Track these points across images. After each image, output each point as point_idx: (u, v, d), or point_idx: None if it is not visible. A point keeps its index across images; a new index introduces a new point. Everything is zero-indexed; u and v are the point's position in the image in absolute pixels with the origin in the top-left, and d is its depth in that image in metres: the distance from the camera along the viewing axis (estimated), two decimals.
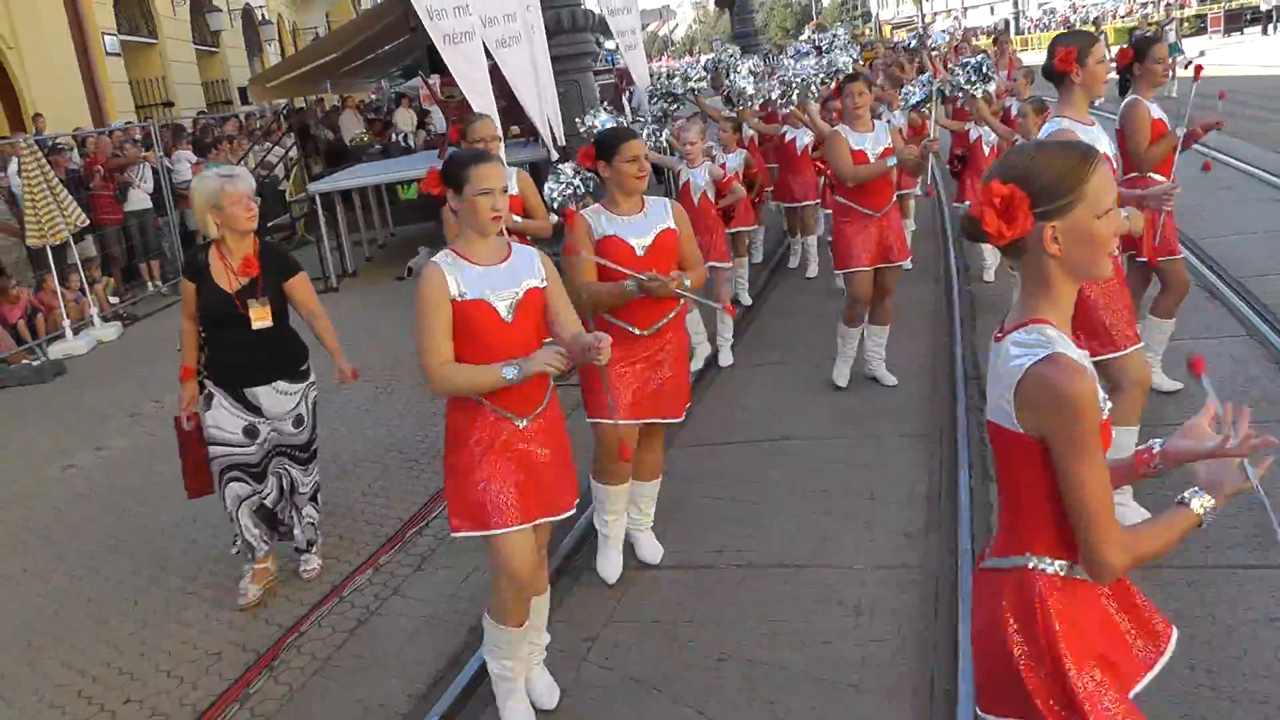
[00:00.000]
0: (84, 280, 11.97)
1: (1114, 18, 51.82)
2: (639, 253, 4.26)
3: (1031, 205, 1.93)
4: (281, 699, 4.15)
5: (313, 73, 15.35)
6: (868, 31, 69.27)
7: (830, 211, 7.27)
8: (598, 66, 15.87)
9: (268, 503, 4.90)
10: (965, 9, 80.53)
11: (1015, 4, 53.32)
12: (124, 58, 19.25)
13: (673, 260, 4.34)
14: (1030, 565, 2.04)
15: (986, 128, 8.56)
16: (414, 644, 4.43)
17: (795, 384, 6.95)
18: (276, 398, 4.74)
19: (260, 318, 4.61)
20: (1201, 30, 40.63)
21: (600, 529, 4.66)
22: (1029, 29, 55.24)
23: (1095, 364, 3.98)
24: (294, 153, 16.83)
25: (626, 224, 4.32)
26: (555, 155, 9.16)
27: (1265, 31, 36.15)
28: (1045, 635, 2.00)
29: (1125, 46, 5.39)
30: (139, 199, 13.59)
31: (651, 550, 4.83)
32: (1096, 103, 4.66)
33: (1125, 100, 5.23)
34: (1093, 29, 25.28)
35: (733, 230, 8.29)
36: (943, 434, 5.76)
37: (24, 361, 10.90)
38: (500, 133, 4.78)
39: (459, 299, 3.29)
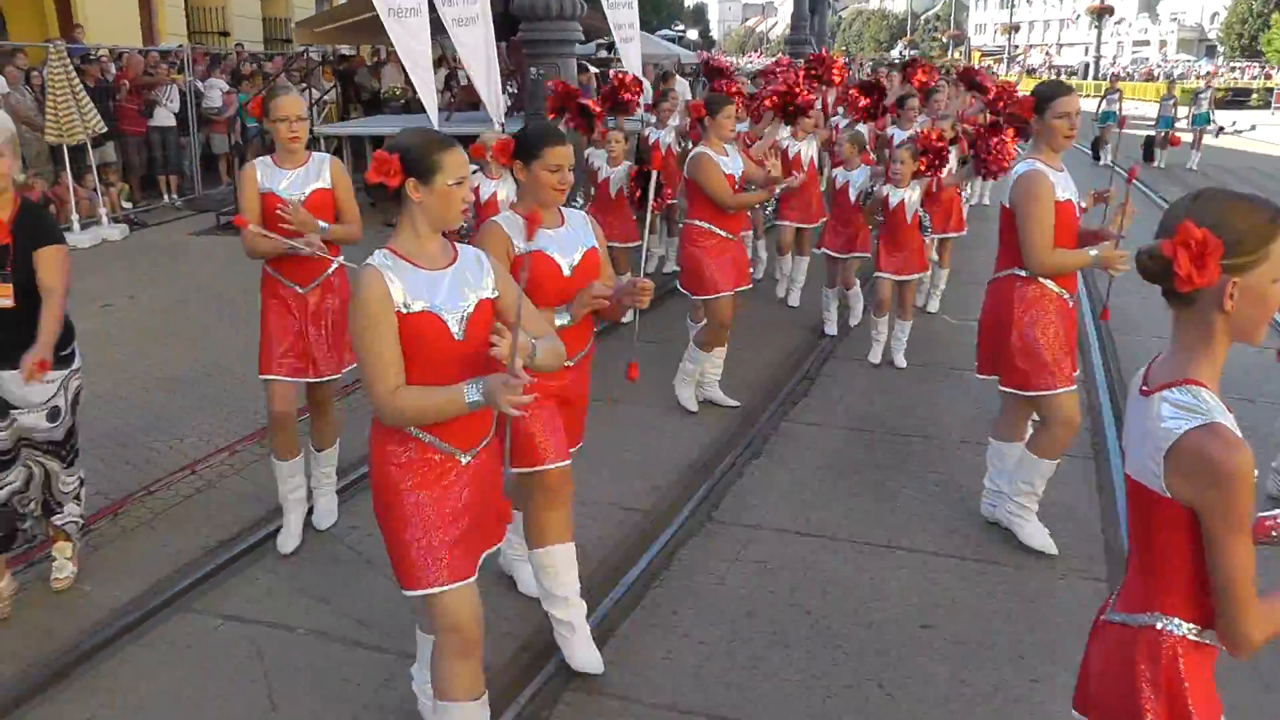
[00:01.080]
0: (97, 182, 12.96)
1: (1197, 77, 51.33)
2: (566, 272, 3.64)
3: (1221, 255, 1.86)
4: None
5: (364, 22, 16.09)
6: (958, 55, 68.98)
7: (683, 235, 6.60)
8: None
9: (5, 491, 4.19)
10: (1060, 46, 79.82)
11: (1096, 49, 52.66)
12: None
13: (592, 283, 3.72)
14: (1159, 625, 2.02)
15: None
16: None
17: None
18: (27, 384, 3.87)
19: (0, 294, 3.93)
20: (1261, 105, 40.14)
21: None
22: (1114, 73, 54.72)
23: (1030, 398, 4.55)
24: (329, 96, 17.71)
25: (551, 238, 3.64)
26: (499, 128, 9.85)
27: None
28: (1178, 696, 1.99)
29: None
30: (164, 116, 14.53)
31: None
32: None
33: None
34: (1165, 86, 23.86)
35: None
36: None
37: None
38: (305, 113, 4.59)
39: (404, 310, 2.77)
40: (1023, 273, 4.50)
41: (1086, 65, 52.27)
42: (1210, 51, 68.39)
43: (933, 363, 7.54)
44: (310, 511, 5.03)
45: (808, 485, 5.46)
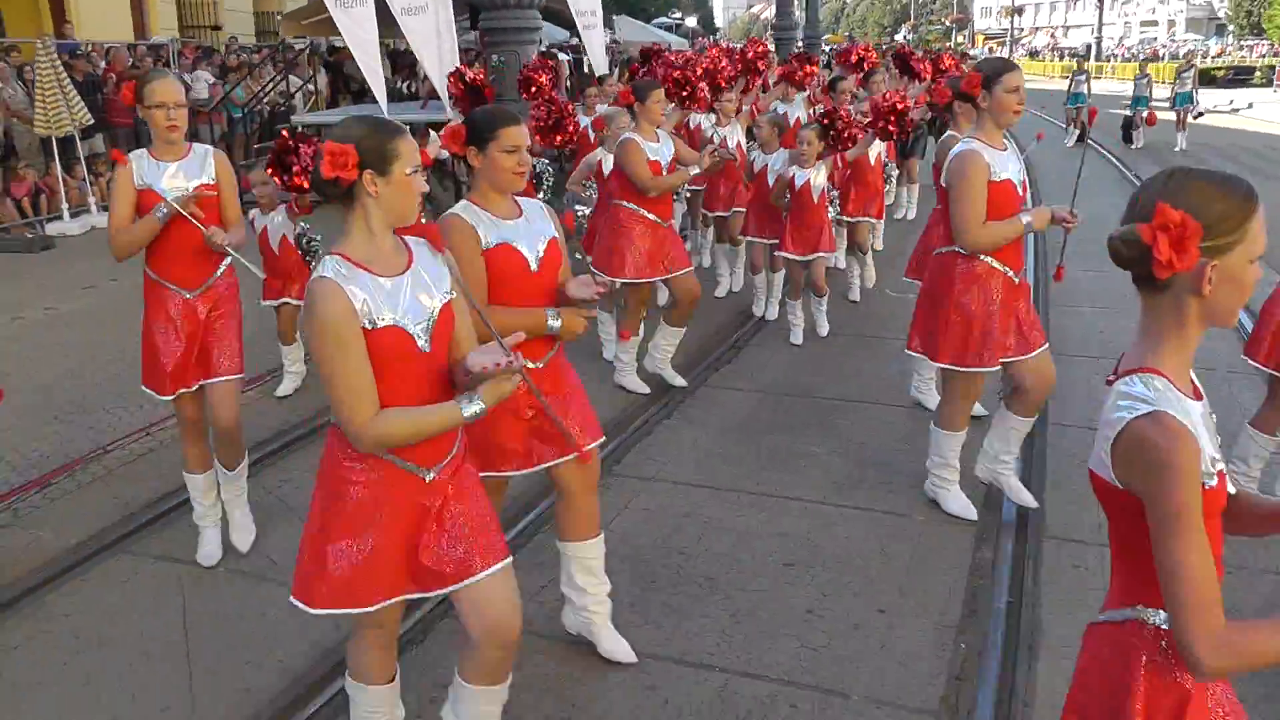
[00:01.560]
0: (86, 172, 13.45)
1: (1205, 58, 51.34)
2: (533, 266, 3.41)
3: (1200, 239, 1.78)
4: None
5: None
6: (960, 39, 68.99)
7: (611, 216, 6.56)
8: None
9: None
10: (1066, 28, 79.61)
11: (1099, 29, 52.67)
12: None
13: (557, 278, 3.51)
14: (1141, 618, 1.91)
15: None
16: None
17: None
18: None
19: None
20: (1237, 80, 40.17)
21: None
22: (1118, 55, 54.77)
23: (1007, 363, 4.58)
24: (313, 86, 18.17)
25: (514, 229, 3.42)
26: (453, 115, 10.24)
27: None
28: (1169, 690, 1.88)
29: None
30: None
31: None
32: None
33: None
34: (1183, 63, 22.98)
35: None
36: None
37: (21, 233, 12.52)
38: (184, 99, 4.27)
39: (369, 326, 2.54)
40: (965, 251, 4.55)
41: (1088, 46, 52.28)
42: (1220, 30, 68.17)
43: (864, 335, 7.91)
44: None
45: (713, 443, 5.85)
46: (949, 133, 5.63)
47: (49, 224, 12.97)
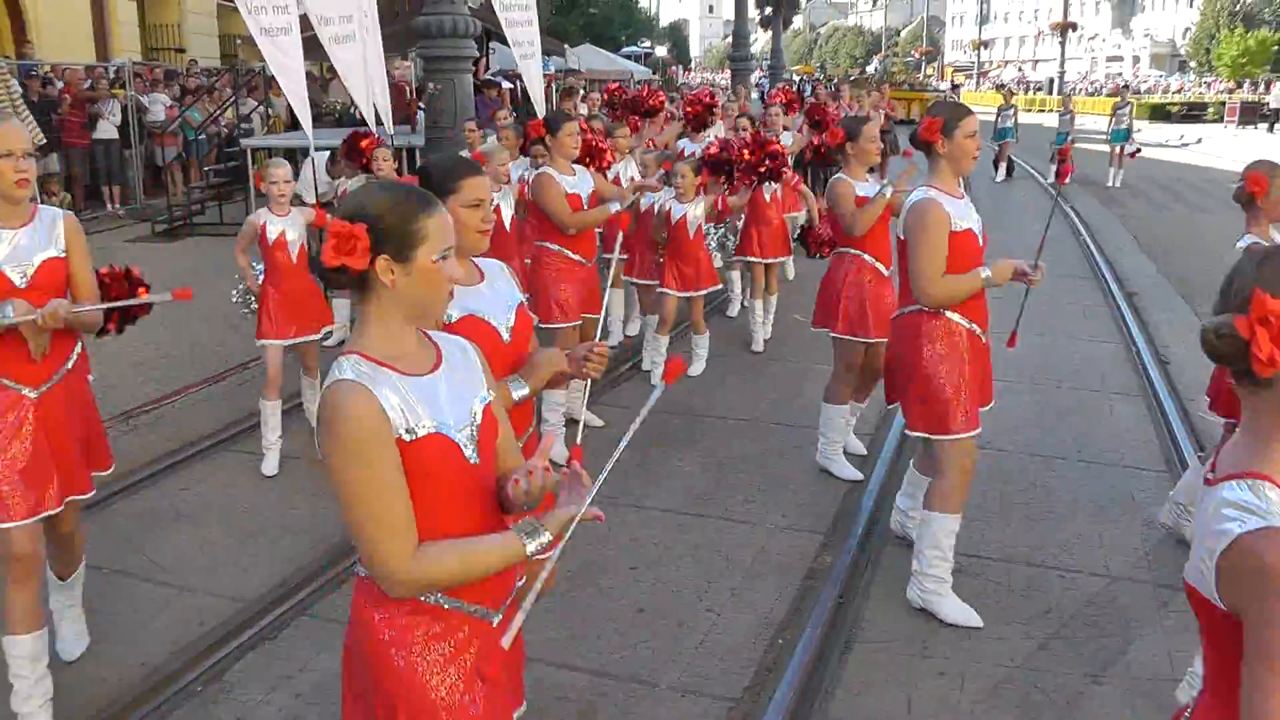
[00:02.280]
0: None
1: (1164, 93, 52.38)
2: (505, 337, 3.06)
3: None
4: None
5: (307, 40, 16.76)
6: (930, 71, 70.01)
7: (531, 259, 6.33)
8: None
9: None
10: (1036, 62, 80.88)
11: (1061, 64, 53.66)
12: (139, 3, 21.13)
13: (528, 348, 3.18)
14: None
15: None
16: None
17: None
18: None
19: None
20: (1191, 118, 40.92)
21: None
22: (1079, 90, 55.70)
23: (925, 440, 4.38)
24: (270, 109, 18.48)
25: (477, 296, 3.03)
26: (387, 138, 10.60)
27: (1271, 129, 36.18)
28: None
29: (836, 127, 5.91)
30: (106, 129, 15.32)
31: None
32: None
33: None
34: (1130, 99, 22.93)
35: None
36: None
37: None
38: (32, 148, 3.53)
39: (407, 437, 2.07)
40: (926, 307, 4.30)
41: (1050, 80, 53.25)
42: (1182, 66, 69.44)
43: (770, 357, 8.30)
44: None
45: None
46: (839, 175, 5.86)
47: None
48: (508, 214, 6.68)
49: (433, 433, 2.08)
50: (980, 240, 4.35)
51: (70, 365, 3.68)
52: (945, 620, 4.33)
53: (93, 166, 15.46)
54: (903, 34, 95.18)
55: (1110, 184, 19.99)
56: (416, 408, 2.07)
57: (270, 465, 5.96)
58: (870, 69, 68.09)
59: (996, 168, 20.94)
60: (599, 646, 4.22)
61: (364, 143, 7.92)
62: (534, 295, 5.91)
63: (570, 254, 6.05)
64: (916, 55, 73.77)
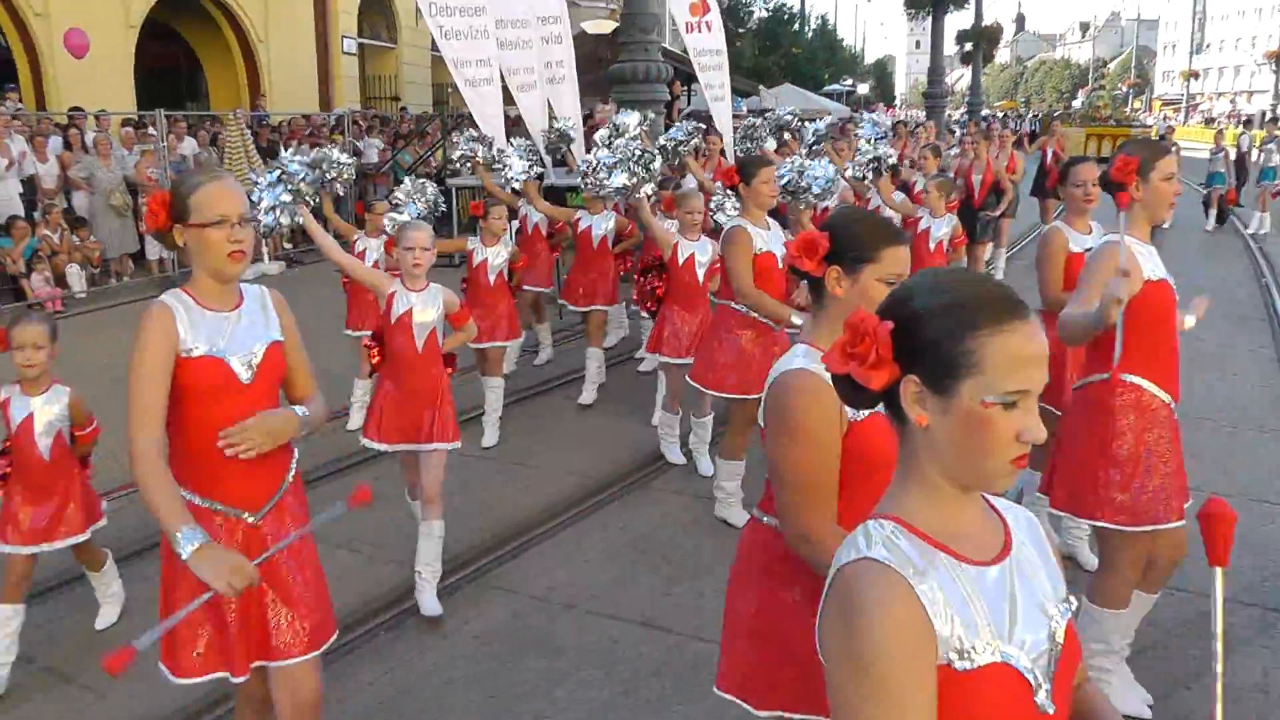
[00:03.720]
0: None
1: None
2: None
3: None
4: None
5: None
6: (1138, 104, 67.54)
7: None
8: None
9: None
10: (1251, 94, 76.88)
11: (1276, 95, 50.96)
12: (360, 57, 23.13)
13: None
14: None
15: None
16: None
17: None
18: None
19: None
20: None
21: None
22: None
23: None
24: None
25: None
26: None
27: None
28: None
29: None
30: None
31: None
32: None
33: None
34: (1266, 133, 20.58)
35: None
36: None
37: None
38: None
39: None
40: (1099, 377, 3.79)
41: (1262, 114, 50.68)
42: None
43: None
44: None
45: None
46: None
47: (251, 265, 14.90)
48: None
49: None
50: (1175, 292, 3.81)
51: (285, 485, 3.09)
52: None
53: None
54: (1111, 66, 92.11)
55: (1253, 231, 17.69)
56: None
57: None
58: (1075, 103, 66.13)
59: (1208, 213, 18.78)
60: None
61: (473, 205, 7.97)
62: (698, 354, 5.91)
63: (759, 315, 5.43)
64: (1124, 88, 71.42)
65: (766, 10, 47.42)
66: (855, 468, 2.32)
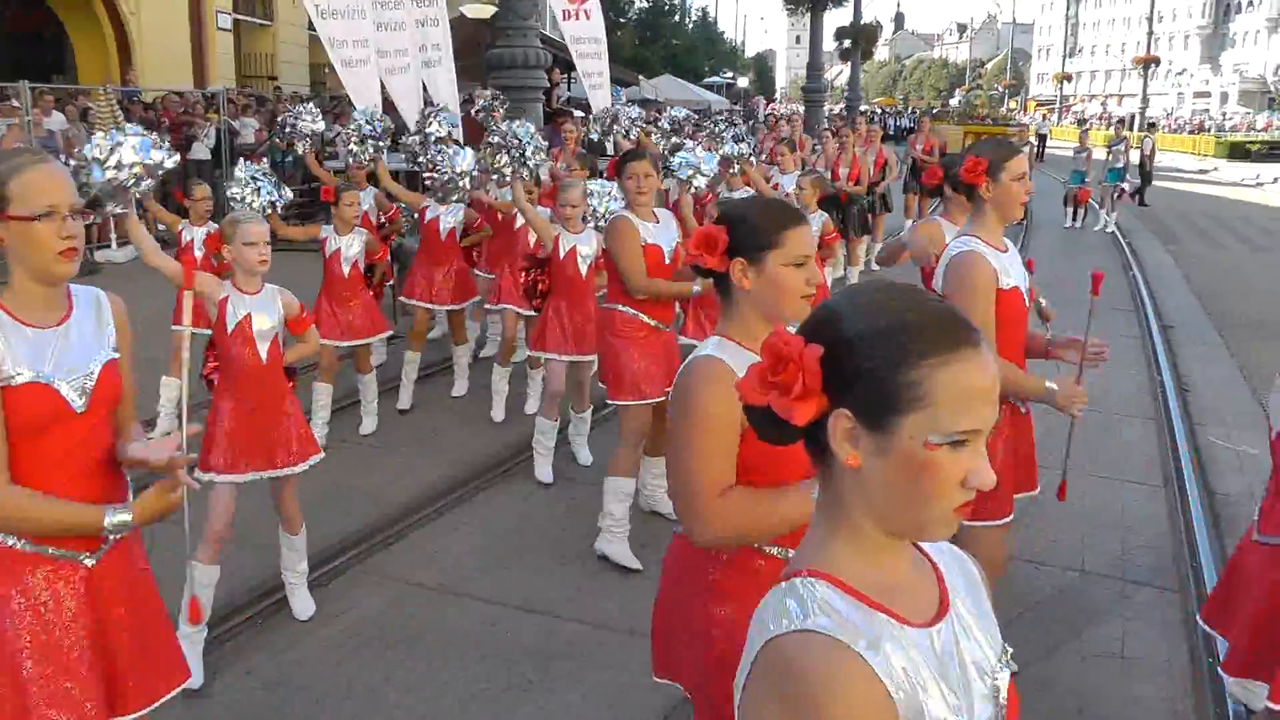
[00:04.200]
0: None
1: (1249, 130, 51.67)
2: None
3: None
4: None
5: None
6: (1012, 105, 69.69)
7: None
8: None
9: None
10: (1121, 97, 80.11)
11: (1143, 100, 53.15)
12: (235, 34, 22.43)
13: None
14: None
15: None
16: None
17: None
18: None
19: None
20: None
21: None
22: (1166, 126, 55.04)
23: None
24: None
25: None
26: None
27: None
28: None
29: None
30: (200, 151, 16.37)
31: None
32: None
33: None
34: (1212, 140, 21.80)
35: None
36: None
37: None
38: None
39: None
40: None
41: (1132, 116, 52.81)
42: (1271, 104, 68.25)
43: None
44: None
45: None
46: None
47: (97, 251, 14.29)
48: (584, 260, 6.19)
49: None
50: (1026, 300, 3.80)
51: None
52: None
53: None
54: (988, 66, 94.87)
55: (1102, 229, 18.40)
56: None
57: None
58: (953, 101, 67.98)
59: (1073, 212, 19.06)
60: None
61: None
62: (601, 364, 5.46)
63: (646, 318, 5.29)
64: (1000, 88, 73.62)
65: (647, 1, 47.61)
66: (755, 476, 2.25)
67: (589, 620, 4.65)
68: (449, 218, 7.63)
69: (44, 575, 2.44)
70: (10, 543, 2.40)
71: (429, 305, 7.69)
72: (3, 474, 2.33)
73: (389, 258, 7.63)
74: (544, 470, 6.28)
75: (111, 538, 2.50)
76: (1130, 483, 6.38)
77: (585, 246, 6.21)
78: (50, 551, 2.43)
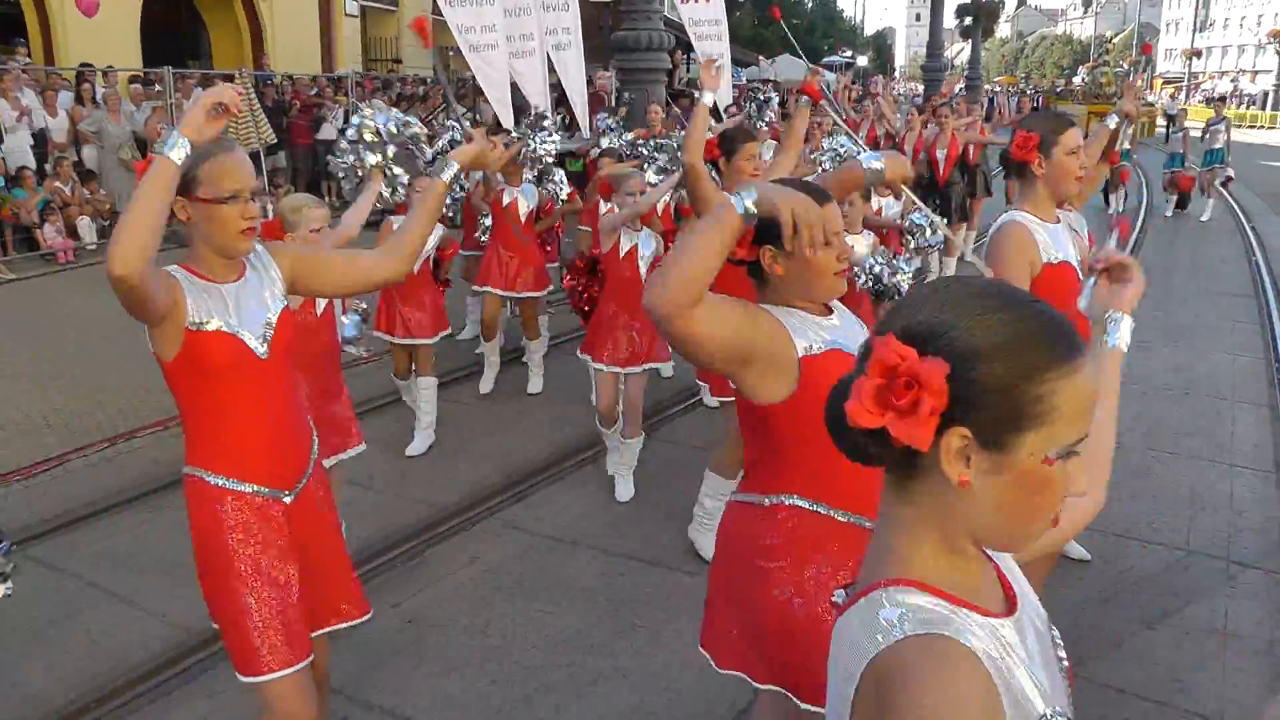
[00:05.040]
0: (267, 184, 15.56)
1: None
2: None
3: None
4: None
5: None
6: (1140, 82, 67.30)
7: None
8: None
9: None
10: (1254, 74, 76.84)
11: (1278, 76, 50.97)
12: (361, 19, 23.17)
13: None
14: None
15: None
16: None
17: None
18: None
19: None
20: None
21: None
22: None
23: None
24: (477, 115, 20.04)
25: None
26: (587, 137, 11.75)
27: None
28: None
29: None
30: (328, 131, 17.03)
31: None
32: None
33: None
34: (1226, 114, 18.86)
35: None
36: None
37: None
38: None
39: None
40: None
41: (1265, 94, 50.71)
42: None
43: None
44: None
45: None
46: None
47: None
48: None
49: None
50: (1080, 273, 3.67)
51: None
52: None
53: (314, 164, 17.25)
54: (1115, 41, 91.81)
55: (1203, 218, 16.86)
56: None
57: None
58: (1076, 80, 65.91)
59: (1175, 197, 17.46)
60: None
61: None
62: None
63: None
64: (1125, 65, 71.27)
65: None
66: (805, 429, 2.29)
67: (701, 573, 4.93)
68: (527, 200, 7.29)
69: (255, 508, 2.80)
70: (218, 482, 2.75)
71: (504, 293, 7.31)
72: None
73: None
74: (624, 487, 5.82)
75: (301, 483, 2.91)
76: (1240, 467, 6.39)
77: (646, 246, 5.72)
78: (258, 489, 2.79)
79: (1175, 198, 17.37)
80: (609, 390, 5.77)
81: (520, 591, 4.85)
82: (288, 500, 2.87)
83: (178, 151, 2.42)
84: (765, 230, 2.32)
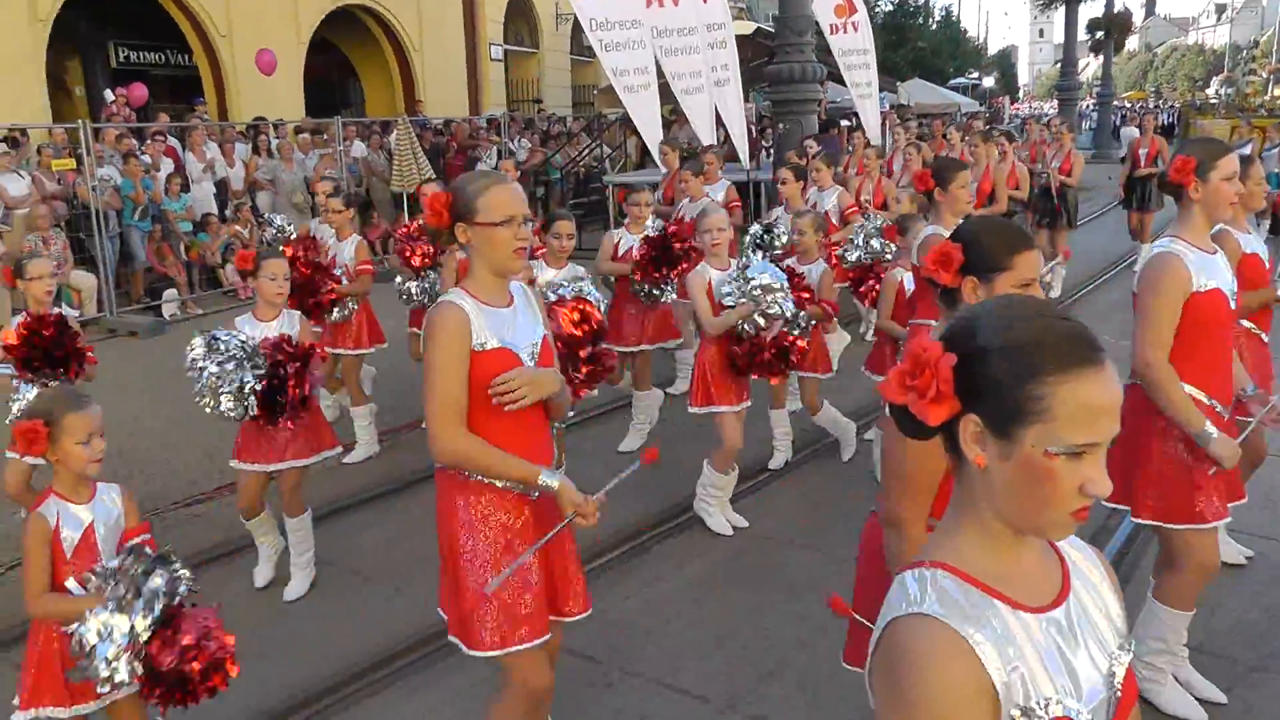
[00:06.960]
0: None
1: None
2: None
3: None
4: None
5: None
6: (1278, 93, 64.84)
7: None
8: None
9: None
10: None
11: None
12: (505, 62, 24.09)
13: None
14: None
15: None
16: None
17: None
18: None
19: None
20: None
21: None
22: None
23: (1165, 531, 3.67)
24: (623, 150, 20.69)
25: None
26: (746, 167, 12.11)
27: None
28: None
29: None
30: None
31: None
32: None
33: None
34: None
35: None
36: None
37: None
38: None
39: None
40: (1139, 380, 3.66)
41: None
42: None
43: None
44: None
45: None
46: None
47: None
48: None
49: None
50: (1232, 303, 3.68)
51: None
52: (1165, 711, 3.88)
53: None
54: (1259, 45, 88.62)
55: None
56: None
57: None
58: (1210, 91, 63.70)
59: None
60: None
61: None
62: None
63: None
64: (1264, 74, 68.65)
65: (891, 4, 47.04)
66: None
67: None
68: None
69: (506, 503, 3.08)
70: (477, 478, 3.04)
71: (621, 348, 6.80)
72: (462, 423, 2.94)
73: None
74: (718, 521, 5.74)
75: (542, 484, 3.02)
76: None
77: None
78: (508, 485, 3.06)
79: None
80: (735, 432, 5.61)
81: (732, 583, 5.19)
82: (534, 495, 3.12)
83: (554, 481, 2.98)
84: (974, 261, 2.51)
